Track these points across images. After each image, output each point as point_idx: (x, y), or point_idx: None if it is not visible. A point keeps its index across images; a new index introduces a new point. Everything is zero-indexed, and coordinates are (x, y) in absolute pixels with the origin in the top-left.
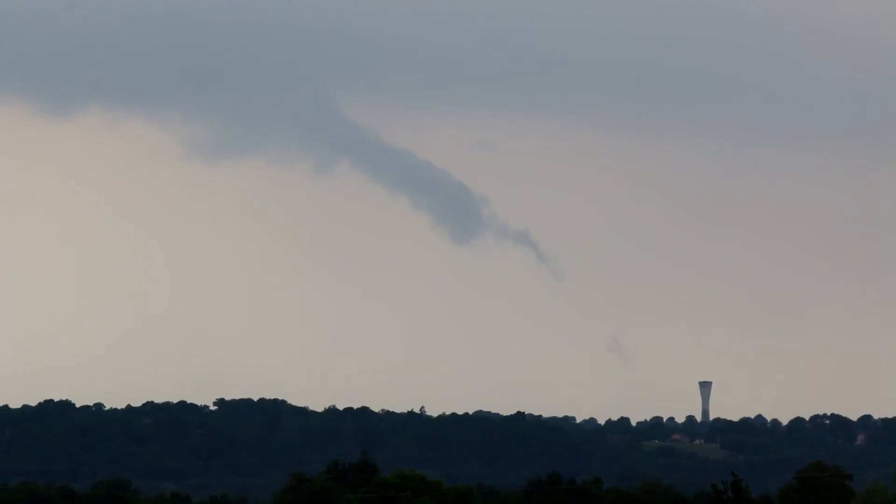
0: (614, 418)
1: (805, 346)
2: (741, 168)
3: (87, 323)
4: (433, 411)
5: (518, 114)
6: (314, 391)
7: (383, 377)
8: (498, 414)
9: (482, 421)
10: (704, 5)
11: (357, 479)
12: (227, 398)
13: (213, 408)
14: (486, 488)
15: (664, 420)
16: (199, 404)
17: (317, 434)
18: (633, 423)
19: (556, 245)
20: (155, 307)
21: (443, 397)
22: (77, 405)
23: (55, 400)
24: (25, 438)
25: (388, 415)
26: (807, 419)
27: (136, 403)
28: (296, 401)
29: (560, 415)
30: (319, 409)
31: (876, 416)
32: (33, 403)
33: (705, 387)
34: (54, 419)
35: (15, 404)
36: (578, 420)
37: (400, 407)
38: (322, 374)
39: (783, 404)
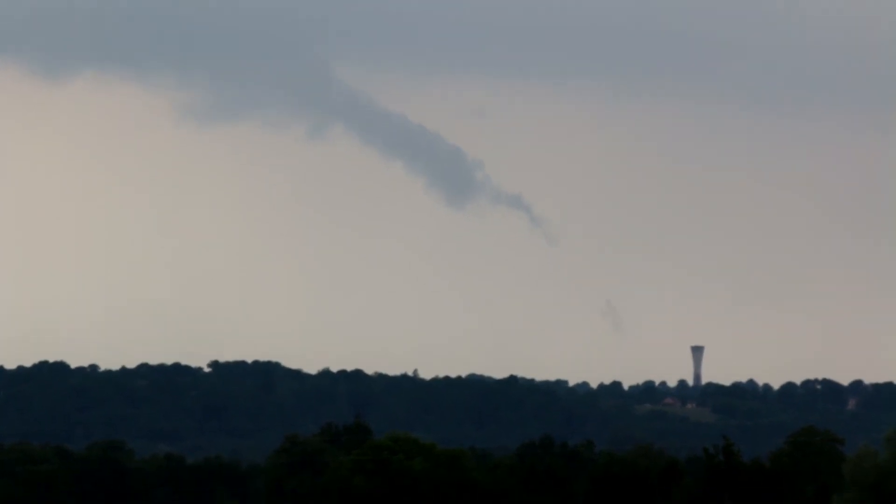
0: (606, 382)
1: (797, 312)
2: (736, 134)
3: (81, 285)
4: (426, 374)
5: (511, 79)
6: (308, 354)
7: (377, 340)
8: (491, 377)
9: (475, 384)
10: None
11: (350, 442)
12: (221, 360)
13: (207, 370)
14: (479, 451)
15: (656, 384)
16: (193, 366)
17: (310, 396)
18: (626, 388)
19: (550, 209)
20: (149, 270)
21: (436, 360)
22: (72, 367)
23: (50, 361)
24: (21, 399)
25: (381, 377)
26: (798, 384)
27: (131, 365)
28: (289, 363)
29: (553, 378)
30: (313, 372)
31: (867, 381)
32: (28, 365)
33: (697, 351)
34: (49, 380)
35: (10, 365)
36: (571, 384)
37: (393, 370)
38: (316, 336)
39: (775, 369)
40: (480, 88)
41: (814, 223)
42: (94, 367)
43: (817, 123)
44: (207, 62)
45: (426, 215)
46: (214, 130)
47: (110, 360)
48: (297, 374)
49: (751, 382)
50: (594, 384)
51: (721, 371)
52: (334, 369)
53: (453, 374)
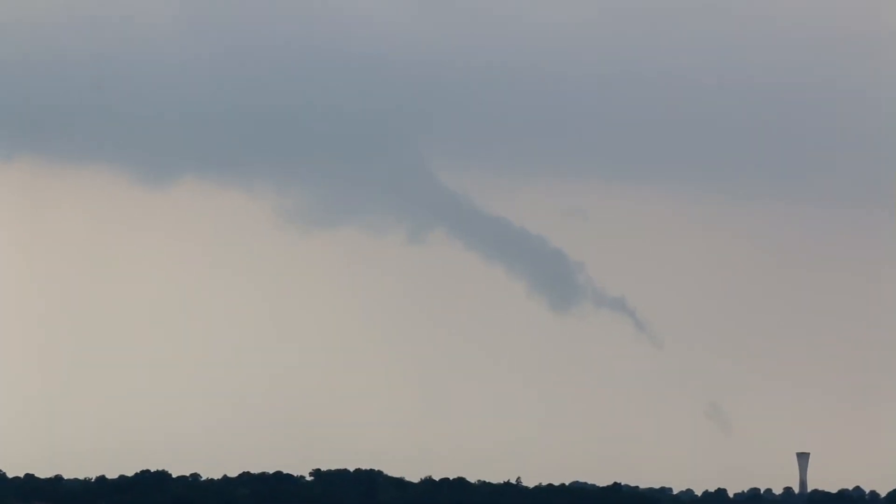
0: (711, 489)
1: None
2: (835, 234)
3: (182, 393)
4: (530, 482)
5: (613, 180)
6: (410, 461)
7: (480, 447)
8: (594, 485)
9: (579, 492)
10: (800, 70)
11: None
12: (323, 468)
13: (309, 478)
14: None
15: (762, 491)
16: (295, 475)
17: None
18: (731, 495)
19: (653, 312)
20: (250, 376)
21: (539, 467)
22: (174, 475)
23: (151, 470)
24: None
25: (484, 485)
26: None
27: (233, 474)
28: (392, 471)
29: (657, 485)
30: (415, 480)
31: None
32: (130, 474)
33: (803, 458)
34: (151, 489)
35: (112, 475)
36: (675, 491)
37: (496, 477)
38: (418, 443)
39: (882, 475)
40: (580, 191)
41: None
42: (195, 476)
43: None
44: (306, 167)
45: (529, 320)
46: (315, 235)
47: (212, 470)
48: (400, 483)
49: (857, 489)
50: (698, 491)
51: (827, 478)
52: (437, 477)
53: (556, 482)
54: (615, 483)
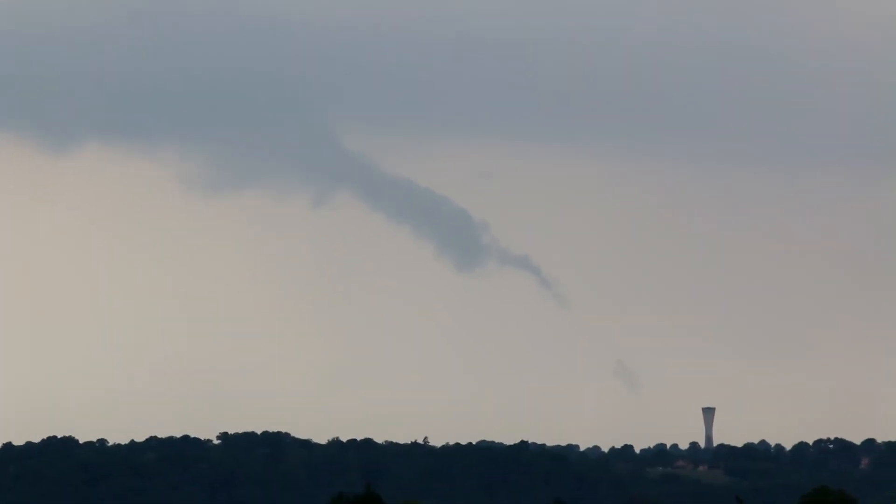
0: (618, 446)
1: (807, 371)
2: (744, 193)
3: (87, 359)
4: (437, 441)
5: (516, 140)
6: (317, 423)
7: (386, 408)
8: (501, 443)
9: (486, 450)
10: (700, 29)
11: None
12: (230, 431)
13: (215, 442)
14: None
15: (668, 447)
16: (202, 438)
17: (320, 466)
18: (637, 451)
19: (558, 271)
20: (155, 341)
21: (446, 427)
22: (80, 441)
23: (58, 436)
24: (30, 475)
25: (391, 445)
26: (810, 444)
27: (140, 438)
28: (298, 433)
29: (563, 443)
30: (322, 441)
31: (879, 440)
32: (36, 440)
33: (708, 412)
34: (58, 456)
35: (18, 441)
36: (582, 448)
37: (403, 438)
38: (324, 405)
39: (786, 429)
40: (486, 150)
41: (824, 281)
42: (102, 442)
43: (825, 181)
44: (210, 132)
45: (434, 279)
46: (219, 200)
47: (119, 435)
48: (307, 444)
49: (763, 443)
50: (605, 448)
51: (733, 432)
52: (344, 438)
53: (464, 441)
54: (522, 441)
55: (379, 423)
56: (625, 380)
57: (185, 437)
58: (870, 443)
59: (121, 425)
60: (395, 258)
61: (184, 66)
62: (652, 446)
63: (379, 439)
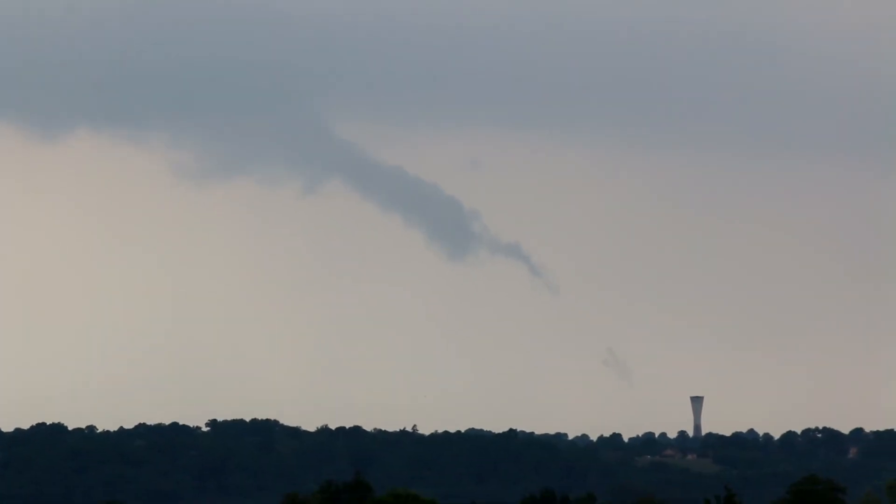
0: (606, 434)
1: (796, 360)
2: (733, 182)
3: (77, 346)
4: (426, 429)
5: (506, 129)
6: (306, 411)
7: (376, 396)
8: (490, 431)
9: (474, 439)
10: (694, 18)
11: (350, 499)
12: (220, 419)
13: (205, 429)
14: None
15: (656, 435)
16: (191, 425)
17: (309, 454)
18: (626, 439)
19: (549, 259)
20: (145, 329)
21: (436, 415)
22: (69, 428)
23: (47, 423)
24: (19, 462)
25: (380, 433)
26: (799, 433)
27: (129, 425)
28: (288, 421)
29: (552, 431)
30: (312, 429)
31: (868, 429)
32: (26, 427)
33: (697, 401)
34: (47, 442)
35: (7, 428)
36: (571, 436)
37: (392, 425)
38: (314, 393)
39: (775, 418)
40: (476, 139)
41: (812, 271)
42: (91, 429)
43: (816, 170)
44: (199, 120)
45: (424, 267)
46: (210, 189)
47: (108, 422)
48: (296, 432)
49: (751, 432)
50: (594, 436)
51: (721, 421)
52: (333, 426)
53: (453, 429)
54: (511, 429)
55: (368, 411)
56: (614, 368)
57: (175, 425)
58: (858, 432)
59: (110, 412)
60: (385, 246)
61: (174, 55)
62: (640, 435)
63: (368, 427)
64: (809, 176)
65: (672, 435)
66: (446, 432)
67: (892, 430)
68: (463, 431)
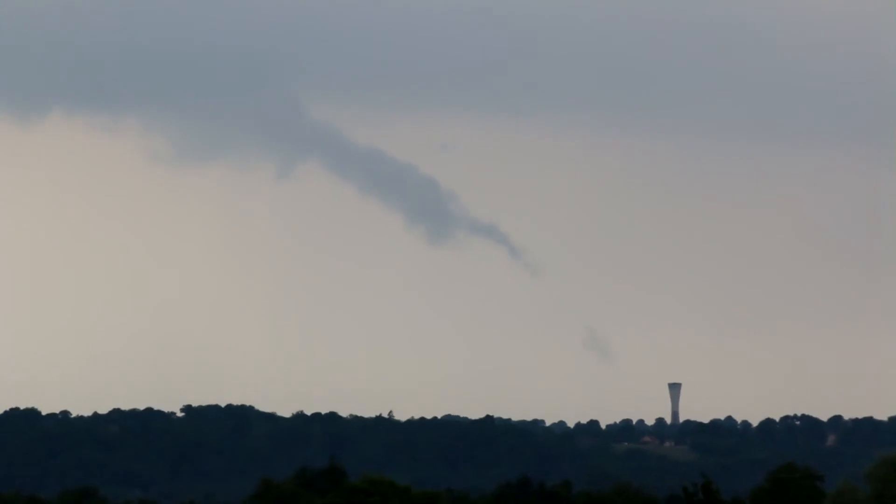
0: (584, 421)
1: (775, 347)
2: (711, 166)
3: (51, 331)
4: (402, 415)
5: (482, 111)
6: (282, 396)
7: (352, 381)
8: (466, 418)
9: (450, 425)
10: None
11: (325, 485)
12: (194, 404)
13: (179, 414)
14: (456, 493)
15: (634, 422)
16: (165, 410)
17: (284, 439)
18: (603, 426)
19: (528, 240)
20: (119, 314)
21: (412, 401)
22: (43, 413)
23: (21, 408)
24: None
25: (355, 419)
26: (777, 420)
27: (103, 410)
28: (263, 406)
29: (529, 418)
30: (287, 415)
31: (846, 417)
32: None
33: (674, 388)
34: (21, 427)
35: None
36: (548, 423)
37: (368, 411)
38: (290, 378)
39: (753, 405)
40: (452, 120)
41: (792, 258)
42: (65, 414)
43: (797, 157)
44: (174, 104)
45: (402, 251)
46: (185, 173)
47: (82, 406)
48: (271, 417)
49: (729, 419)
50: (571, 423)
51: (699, 408)
52: (308, 412)
53: (429, 415)
54: (487, 416)
55: (344, 396)
56: (595, 349)
57: (149, 410)
58: (836, 419)
59: (84, 397)
60: (362, 229)
61: (147, 39)
62: (618, 422)
63: (344, 413)
64: (791, 162)
65: (649, 422)
66: (423, 418)
67: (871, 417)
68: (439, 418)
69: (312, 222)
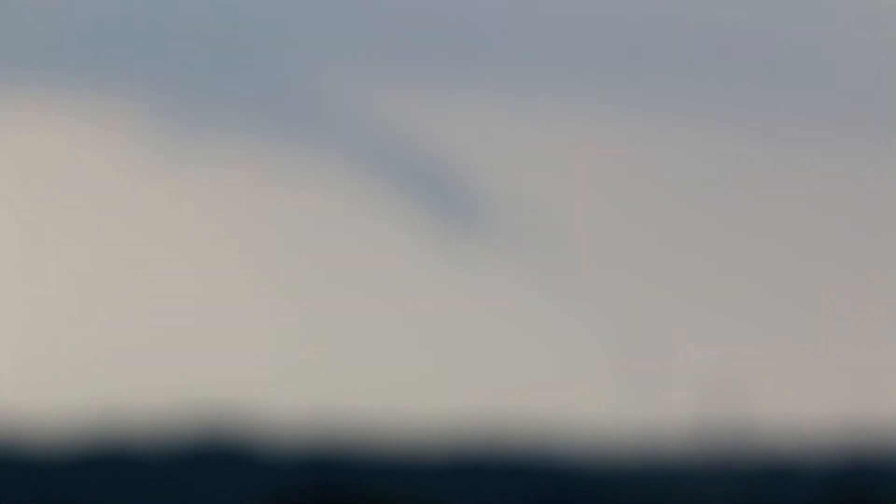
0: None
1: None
2: (704, 161)
3: (40, 326)
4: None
5: (468, 91)
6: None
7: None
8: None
9: None
10: None
11: None
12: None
13: None
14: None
15: None
16: None
17: None
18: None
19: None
20: (98, 305)
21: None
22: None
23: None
24: None
25: None
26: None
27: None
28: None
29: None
30: None
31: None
32: None
33: None
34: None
35: None
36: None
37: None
38: (290, 378)
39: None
40: (433, 98)
41: (786, 253)
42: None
43: (790, 149)
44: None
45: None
46: (164, 157)
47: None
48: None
49: None
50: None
51: None
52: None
53: None
54: None
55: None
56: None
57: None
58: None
59: (62, 386)
60: (362, 228)
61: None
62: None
63: None
64: (783, 155)
65: None
66: None
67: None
68: None
69: (312, 221)
